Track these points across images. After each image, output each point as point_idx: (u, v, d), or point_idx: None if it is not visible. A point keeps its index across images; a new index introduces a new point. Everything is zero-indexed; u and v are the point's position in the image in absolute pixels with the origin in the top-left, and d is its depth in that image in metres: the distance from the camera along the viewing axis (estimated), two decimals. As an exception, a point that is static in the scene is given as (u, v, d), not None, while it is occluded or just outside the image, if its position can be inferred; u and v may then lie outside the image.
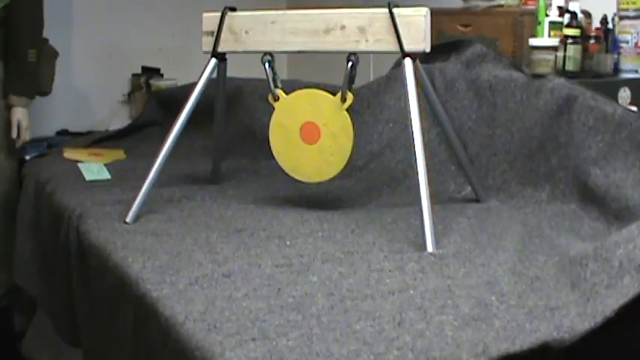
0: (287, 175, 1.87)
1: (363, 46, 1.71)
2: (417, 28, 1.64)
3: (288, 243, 1.59)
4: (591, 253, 1.34)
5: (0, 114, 2.64)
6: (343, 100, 1.77)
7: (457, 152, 1.91)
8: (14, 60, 2.61)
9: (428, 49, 1.66)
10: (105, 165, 2.36)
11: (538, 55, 2.18)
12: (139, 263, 1.47)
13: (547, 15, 2.34)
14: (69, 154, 2.57)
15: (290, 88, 1.88)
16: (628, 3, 2.30)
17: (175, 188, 2.06)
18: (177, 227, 1.72)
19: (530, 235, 1.63)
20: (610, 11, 2.37)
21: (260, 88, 2.39)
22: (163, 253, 1.53)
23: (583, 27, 2.32)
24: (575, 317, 1.16)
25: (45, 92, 2.84)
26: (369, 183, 2.13)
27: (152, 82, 3.41)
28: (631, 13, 2.31)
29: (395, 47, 1.66)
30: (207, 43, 1.89)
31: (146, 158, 2.17)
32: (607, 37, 2.35)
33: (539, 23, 2.36)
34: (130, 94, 3.51)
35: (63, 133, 3.32)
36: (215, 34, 1.86)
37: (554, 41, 2.26)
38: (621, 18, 2.33)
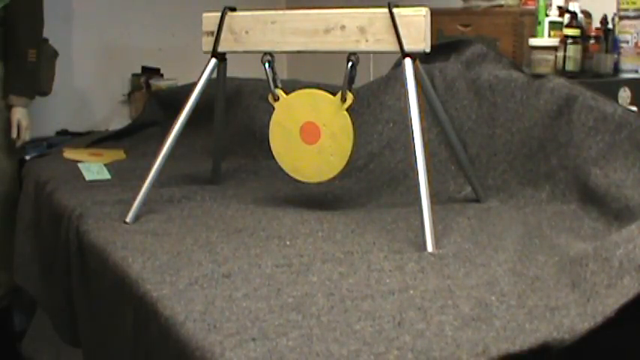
0: (287, 175, 1.87)
1: (363, 46, 1.71)
2: (417, 28, 1.64)
3: (288, 243, 1.59)
4: (591, 253, 1.34)
5: (0, 114, 2.64)
6: (343, 100, 1.77)
7: (457, 152, 1.91)
8: (14, 60, 2.62)
9: (428, 49, 1.66)
10: (105, 165, 2.36)
11: (538, 55, 2.18)
12: (139, 263, 1.47)
13: (547, 15, 2.34)
14: (69, 154, 2.57)
15: (290, 88, 1.88)
16: (628, 3, 2.31)
17: (175, 188, 2.06)
18: (177, 227, 1.72)
19: (530, 235, 1.63)
20: (610, 11, 2.37)
21: (260, 88, 2.39)
22: (163, 253, 1.53)
23: (583, 27, 2.33)
24: (575, 317, 1.16)
25: (45, 92, 2.84)
26: (369, 183, 2.13)
27: (152, 82, 3.41)
28: (631, 13, 2.31)
29: (395, 47, 1.66)
30: (207, 43, 1.89)
31: (146, 158, 2.17)
32: (607, 37, 2.35)
33: (539, 23, 2.36)
34: (130, 94, 3.51)
35: (63, 133, 3.33)
36: (215, 34, 1.86)
37: (554, 41, 2.26)
38: (621, 18, 2.33)
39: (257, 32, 1.82)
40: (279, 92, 1.85)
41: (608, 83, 2.21)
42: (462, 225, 1.71)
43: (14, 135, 2.63)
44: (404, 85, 1.65)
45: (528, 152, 1.96)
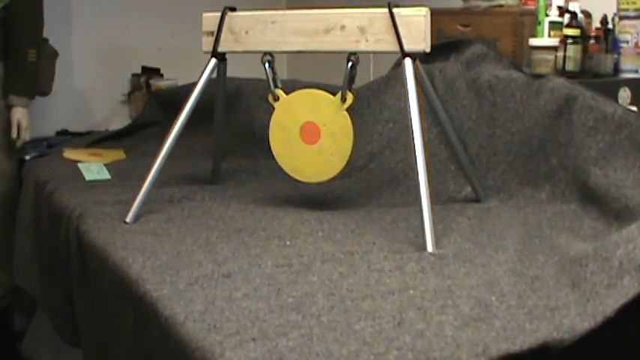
0: (287, 175, 1.87)
1: (363, 46, 1.71)
2: (417, 28, 1.64)
3: (288, 243, 1.59)
4: (591, 253, 1.34)
5: (0, 114, 2.64)
6: (343, 100, 1.77)
7: (457, 152, 1.91)
8: (14, 60, 2.62)
9: (428, 49, 1.66)
10: (105, 165, 2.36)
11: (538, 55, 2.18)
12: (138, 263, 1.47)
13: (547, 15, 2.34)
14: (69, 154, 2.57)
15: (290, 88, 1.88)
16: (628, 3, 2.30)
17: (175, 188, 2.06)
18: (177, 227, 1.72)
19: (530, 235, 1.63)
20: (610, 11, 2.37)
21: (260, 88, 2.40)
22: (163, 253, 1.53)
23: (583, 27, 2.32)
24: (575, 317, 1.16)
25: (45, 92, 2.84)
26: (369, 183, 2.13)
27: (152, 82, 3.41)
28: (631, 13, 2.31)
29: (395, 47, 1.66)
30: (207, 43, 1.89)
31: (146, 158, 2.17)
32: (607, 37, 2.35)
33: (539, 23, 2.36)
34: (130, 94, 3.51)
35: (63, 133, 3.32)
36: (215, 34, 1.86)
37: (554, 41, 2.26)
38: (621, 18, 2.33)
39: (257, 32, 1.82)
40: (279, 92, 1.85)
41: (608, 83, 2.21)
42: (462, 225, 1.71)
43: (14, 135, 2.63)
44: (404, 85, 1.65)
45: (528, 152, 1.96)
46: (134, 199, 1.79)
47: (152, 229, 1.70)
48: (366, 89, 2.32)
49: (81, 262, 1.76)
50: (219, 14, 1.86)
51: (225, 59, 1.92)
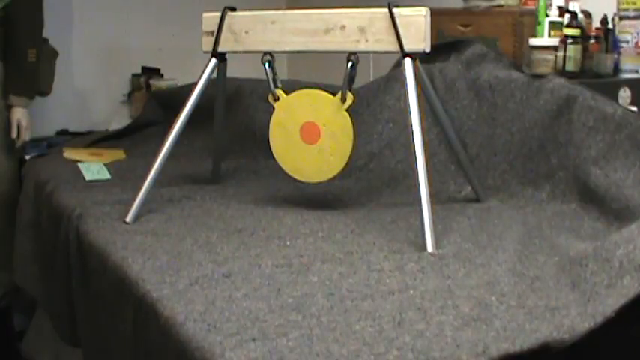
0: (287, 175, 1.87)
1: (363, 46, 1.71)
2: (417, 28, 1.64)
3: (288, 243, 1.59)
4: (591, 253, 1.34)
5: (0, 114, 2.64)
6: (343, 100, 1.77)
7: (457, 152, 1.91)
8: (14, 60, 2.62)
9: (428, 49, 1.66)
10: (105, 165, 2.36)
11: (538, 55, 2.18)
12: (138, 263, 1.47)
13: (547, 15, 2.34)
14: (69, 154, 2.57)
15: (290, 88, 1.88)
16: (628, 3, 2.30)
17: (175, 188, 2.06)
18: (177, 227, 1.72)
19: (530, 235, 1.63)
20: (610, 11, 2.37)
21: (260, 88, 2.40)
22: (163, 253, 1.53)
23: (583, 27, 2.32)
24: (575, 317, 1.16)
25: (45, 92, 2.84)
26: (369, 183, 2.13)
27: (152, 82, 3.41)
28: (631, 13, 2.30)
29: (395, 47, 1.66)
30: (207, 43, 1.89)
31: (146, 158, 2.17)
32: (607, 37, 2.35)
33: (539, 23, 2.36)
34: (130, 94, 3.51)
35: (63, 133, 3.32)
36: (215, 34, 1.86)
37: (554, 41, 2.25)
38: (621, 18, 2.33)
39: (257, 32, 1.82)
40: (279, 92, 1.85)
41: (608, 83, 2.21)
42: (462, 225, 1.71)
43: (14, 135, 2.63)
44: (404, 85, 1.65)
45: (528, 152, 1.96)
46: (134, 199, 1.79)
47: (152, 229, 1.70)
48: (366, 89, 2.32)
49: (81, 262, 1.76)
50: (219, 14, 1.86)
51: (225, 59, 1.92)
